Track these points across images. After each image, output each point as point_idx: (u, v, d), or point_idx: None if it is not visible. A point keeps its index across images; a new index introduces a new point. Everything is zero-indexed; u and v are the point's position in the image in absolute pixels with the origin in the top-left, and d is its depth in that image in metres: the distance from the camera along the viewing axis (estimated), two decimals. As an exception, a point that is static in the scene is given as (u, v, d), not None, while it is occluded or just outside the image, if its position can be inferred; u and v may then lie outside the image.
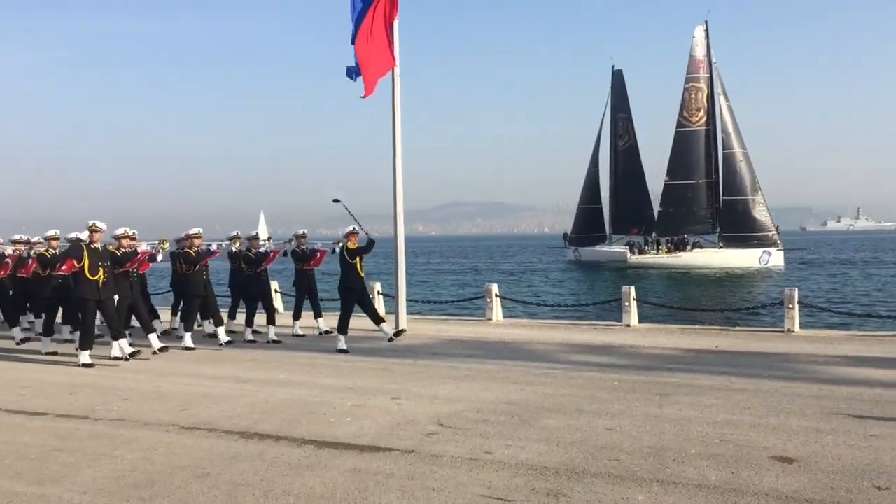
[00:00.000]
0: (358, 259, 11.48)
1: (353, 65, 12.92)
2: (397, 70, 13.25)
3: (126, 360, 10.61)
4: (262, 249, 13.07)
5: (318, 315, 13.32)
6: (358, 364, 10.18)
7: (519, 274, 53.64)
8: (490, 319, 14.69)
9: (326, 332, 13.00)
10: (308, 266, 13.15)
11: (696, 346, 11.34)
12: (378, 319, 11.72)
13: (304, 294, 13.27)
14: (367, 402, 7.82)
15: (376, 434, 6.57)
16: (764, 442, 6.07)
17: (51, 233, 12.44)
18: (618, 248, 62.40)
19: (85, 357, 10.33)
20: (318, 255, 13.20)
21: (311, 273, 13.27)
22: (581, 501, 4.83)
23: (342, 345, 11.29)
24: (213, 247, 12.63)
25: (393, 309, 13.48)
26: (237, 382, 9.03)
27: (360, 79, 12.97)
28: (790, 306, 12.64)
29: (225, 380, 9.22)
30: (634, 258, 56.25)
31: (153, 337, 11.28)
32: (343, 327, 11.41)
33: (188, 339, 11.80)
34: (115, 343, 10.74)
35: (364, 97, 12.88)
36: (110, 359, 10.67)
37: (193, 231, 12.11)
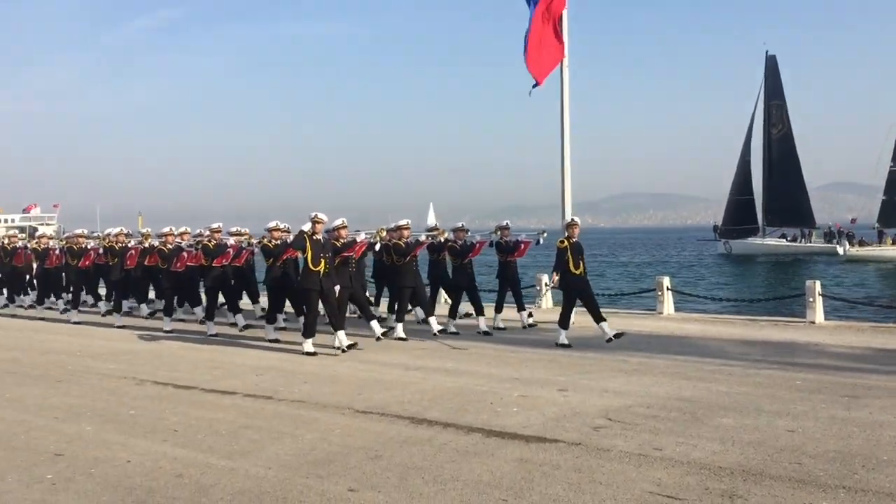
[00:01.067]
0: (570, 253, 10.92)
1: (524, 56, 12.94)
2: (566, 61, 13.15)
3: (343, 351, 10.57)
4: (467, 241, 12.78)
5: (521, 308, 13.02)
6: (525, 355, 10.20)
7: (690, 267, 51.79)
8: (661, 313, 14.27)
9: (530, 325, 12.79)
10: (512, 257, 12.85)
11: (891, 345, 10.46)
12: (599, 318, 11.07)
13: (507, 286, 12.96)
14: (533, 393, 7.82)
15: (542, 425, 6.56)
16: (970, 452, 5.52)
17: (271, 224, 13.00)
18: (771, 241, 59.56)
19: (308, 346, 10.51)
20: (523, 246, 12.87)
21: (514, 265, 12.98)
22: (758, 504, 4.60)
23: (564, 339, 10.84)
24: (422, 237, 12.64)
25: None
26: (406, 370, 9.31)
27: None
28: None
29: (395, 367, 9.53)
30: (854, 250, 52.25)
31: (375, 324, 11.36)
32: (565, 322, 10.94)
33: (399, 330, 11.85)
34: (337, 333, 10.78)
35: (536, 86, 12.95)
36: (332, 348, 10.77)
37: (403, 222, 12.24)
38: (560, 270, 10.91)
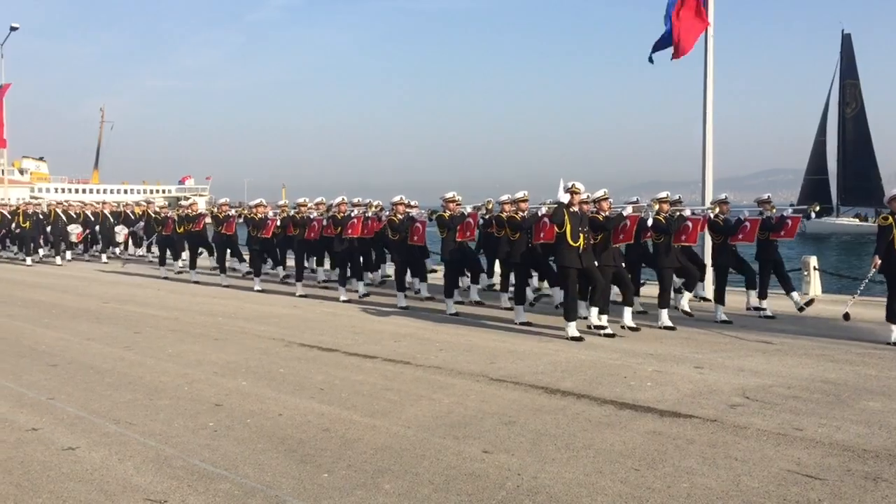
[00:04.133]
0: None
1: (667, 31, 12.64)
2: (710, 30, 12.72)
3: (609, 335, 9.61)
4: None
5: (789, 290, 11.51)
6: (660, 331, 10.08)
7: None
8: (807, 294, 13.65)
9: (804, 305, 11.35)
10: (776, 236, 11.32)
11: None
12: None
13: (770, 268, 11.47)
14: (668, 369, 7.77)
15: (677, 400, 6.54)
16: None
17: (449, 195, 12.36)
18: (844, 220, 58.21)
19: (572, 329, 9.51)
20: (790, 223, 11.35)
21: (775, 245, 11.50)
22: (905, 489, 4.45)
23: None
24: (686, 211, 11.07)
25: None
26: (540, 341, 9.43)
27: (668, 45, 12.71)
28: None
29: (529, 338, 9.67)
30: None
31: (628, 311, 10.24)
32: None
33: (665, 317, 10.40)
34: (592, 312, 9.86)
35: (675, 58, 12.65)
36: (595, 327, 9.83)
37: (663, 195, 10.90)
38: (882, 253, 9.21)
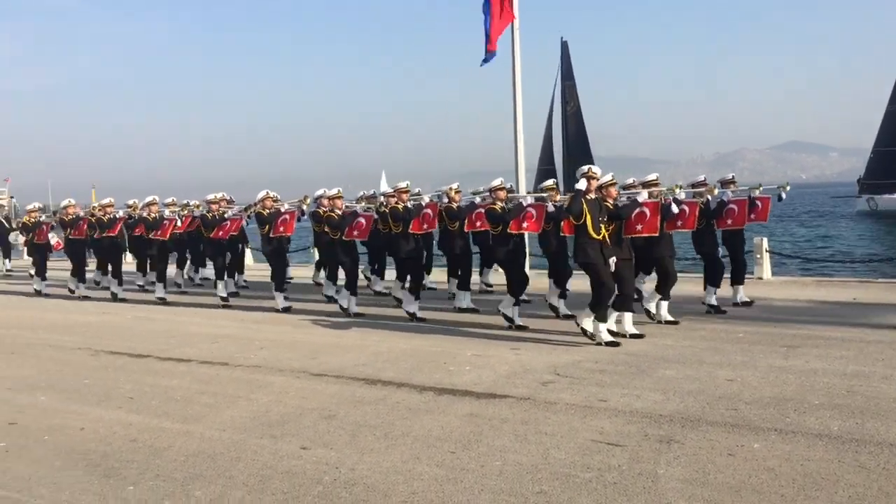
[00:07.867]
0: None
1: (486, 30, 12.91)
2: (517, 23, 13.14)
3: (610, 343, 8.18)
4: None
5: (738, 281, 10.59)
6: (479, 317, 10.34)
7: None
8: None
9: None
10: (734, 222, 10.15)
11: (832, 298, 10.81)
12: None
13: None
14: (486, 353, 7.99)
15: (493, 382, 6.74)
16: (895, 394, 5.81)
17: (324, 192, 11.52)
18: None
19: (604, 333, 8.30)
20: (760, 205, 10.31)
21: (742, 233, 10.54)
22: (693, 448, 4.82)
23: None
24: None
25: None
26: (363, 333, 9.42)
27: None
28: (939, 256, 11.85)
29: (352, 331, 9.64)
30: None
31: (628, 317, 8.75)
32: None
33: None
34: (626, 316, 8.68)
35: (491, 56, 12.91)
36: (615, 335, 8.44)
37: (549, 183, 10.33)
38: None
